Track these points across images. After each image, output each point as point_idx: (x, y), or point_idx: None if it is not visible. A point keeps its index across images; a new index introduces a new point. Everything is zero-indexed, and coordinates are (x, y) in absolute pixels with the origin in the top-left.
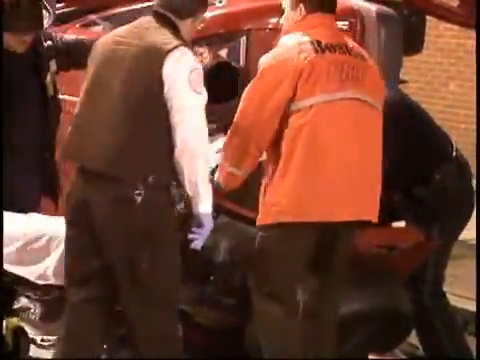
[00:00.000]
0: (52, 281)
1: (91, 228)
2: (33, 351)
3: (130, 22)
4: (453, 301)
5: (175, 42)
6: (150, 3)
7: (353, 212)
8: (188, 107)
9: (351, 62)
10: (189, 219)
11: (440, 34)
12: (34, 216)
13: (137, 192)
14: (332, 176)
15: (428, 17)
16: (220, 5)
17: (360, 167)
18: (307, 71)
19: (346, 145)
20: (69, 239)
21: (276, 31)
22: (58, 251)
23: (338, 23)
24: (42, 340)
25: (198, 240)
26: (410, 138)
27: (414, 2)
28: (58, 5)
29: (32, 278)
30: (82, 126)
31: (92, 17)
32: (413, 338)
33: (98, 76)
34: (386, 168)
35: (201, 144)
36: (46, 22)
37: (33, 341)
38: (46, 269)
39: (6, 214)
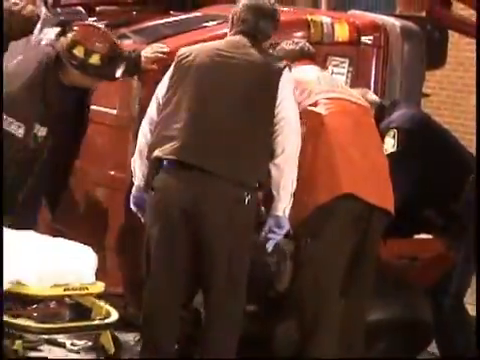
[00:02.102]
0: None
1: (193, 228)
2: (63, 355)
3: (157, 35)
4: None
5: (283, 62)
6: (176, 18)
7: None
8: (295, 119)
9: None
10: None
11: (461, 49)
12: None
13: (246, 193)
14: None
15: (450, 32)
16: None
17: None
18: None
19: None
20: (163, 241)
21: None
22: None
23: (363, 38)
24: (72, 344)
25: (274, 240)
26: (437, 156)
27: (437, 18)
28: (90, 19)
29: None
30: (196, 129)
31: (123, 31)
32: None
33: (204, 84)
34: (415, 185)
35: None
36: None
37: (63, 345)
38: None
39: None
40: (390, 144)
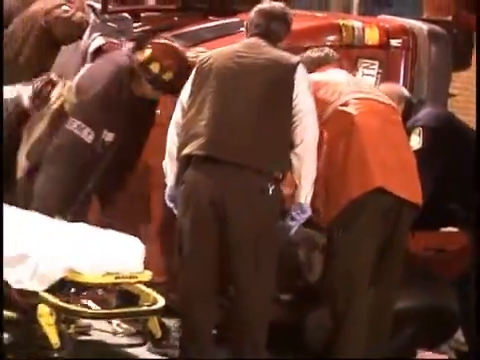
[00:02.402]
0: None
1: (220, 217)
2: (109, 338)
3: (198, 39)
4: None
5: (297, 58)
6: (215, 23)
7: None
8: (312, 111)
9: None
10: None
11: None
12: None
13: (270, 183)
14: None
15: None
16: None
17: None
18: None
19: None
20: (194, 231)
21: (333, 48)
22: None
23: (392, 41)
24: (118, 325)
25: (296, 225)
26: (460, 153)
27: (462, 22)
28: (135, 25)
29: None
30: (219, 125)
31: (165, 35)
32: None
33: (226, 83)
34: (440, 181)
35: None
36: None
37: (111, 331)
38: None
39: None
40: (416, 141)
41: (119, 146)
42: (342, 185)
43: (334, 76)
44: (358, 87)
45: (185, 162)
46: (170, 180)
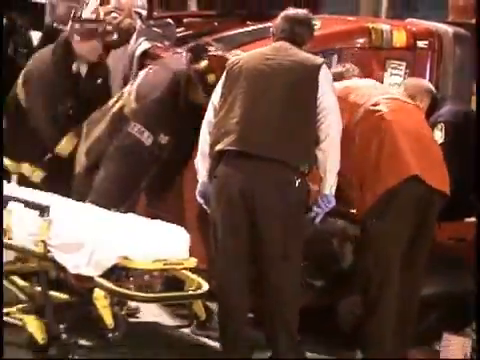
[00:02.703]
0: None
1: (250, 207)
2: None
3: (236, 42)
4: None
5: (321, 59)
6: (252, 28)
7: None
8: (335, 109)
9: None
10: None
11: None
12: None
13: (296, 176)
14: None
15: None
16: (316, 28)
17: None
18: None
19: None
20: (225, 221)
21: (363, 50)
22: None
23: (419, 43)
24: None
25: (320, 214)
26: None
27: None
28: (178, 30)
29: None
30: (248, 123)
31: (206, 39)
32: None
33: (254, 84)
34: (461, 173)
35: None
36: None
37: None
38: None
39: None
40: (438, 136)
41: (173, 148)
42: (377, 176)
43: (363, 82)
44: (385, 90)
45: (217, 158)
46: (201, 176)
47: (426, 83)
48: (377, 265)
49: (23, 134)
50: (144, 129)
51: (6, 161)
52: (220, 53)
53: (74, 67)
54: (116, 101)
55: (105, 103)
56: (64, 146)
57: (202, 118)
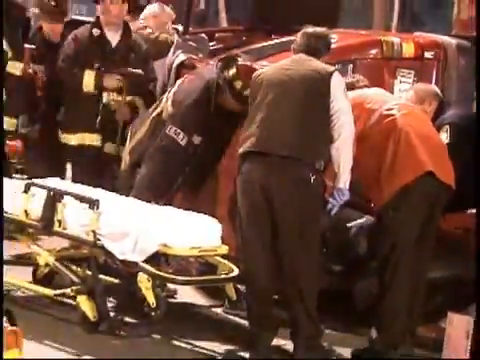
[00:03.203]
0: None
1: (271, 201)
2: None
3: (262, 54)
4: None
5: (333, 67)
6: (276, 41)
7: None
8: (348, 111)
9: None
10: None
11: None
12: None
13: (312, 174)
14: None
15: None
16: (333, 40)
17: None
18: None
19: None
20: (250, 213)
21: (375, 60)
22: None
23: (426, 54)
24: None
25: (336, 206)
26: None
27: None
28: (210, 43)
29: None
30: (269, 126)
31: (235, 51)
32: None
33: (274, 93)
34: (465, 169)
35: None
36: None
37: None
38: None
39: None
40: (444, 137)
41: (205, 148)
42: (394, 173)
43: (377, 92)
44: (396, 99)
45: (243, 157)
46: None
47: (434, 88)
48: (393, 250)
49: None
50: (180, 131)
51: (66, 136)
52: (247, 63)
53: (95, 32)
54: (155, 108)
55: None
56: (87, 81)
57: (232, 122)
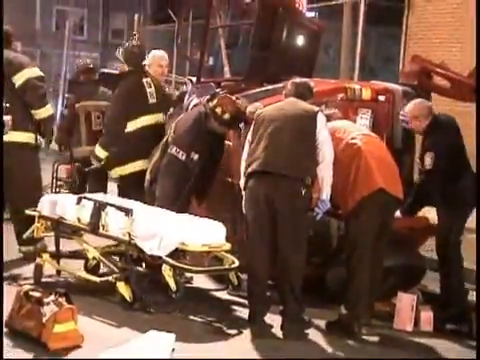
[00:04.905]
0: None
1: (271, 208)
2: (203, 286)
3: (256, 98)
4: None
5: (317, 108)
6: (267, 88)
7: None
8: (328, 141)
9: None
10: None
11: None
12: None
13: (302, 188)
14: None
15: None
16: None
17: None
18: None
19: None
20: (255, 217)
21: (342, 101)
22: None
23: (379, 97)
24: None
25: (320, 213)
26: (455, 167)
27: (424, 85)
28: (217, 89)
29: None
30: (270, 152)
31: (236, 95)
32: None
33: (273, 126)
34: (438, 188)
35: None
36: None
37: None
38: None
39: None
40: (428, 162)
41: (202, 163)
42: (355, 188)
43: (344, 124)
44: (359, 129)
45: (249, 176)
46: (242, 185)
47: (427, 104)
48: (355, 246)
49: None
50: (179, 149)
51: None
52: (227, 95)
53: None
54: (166, 138)
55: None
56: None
57: (222, 142)
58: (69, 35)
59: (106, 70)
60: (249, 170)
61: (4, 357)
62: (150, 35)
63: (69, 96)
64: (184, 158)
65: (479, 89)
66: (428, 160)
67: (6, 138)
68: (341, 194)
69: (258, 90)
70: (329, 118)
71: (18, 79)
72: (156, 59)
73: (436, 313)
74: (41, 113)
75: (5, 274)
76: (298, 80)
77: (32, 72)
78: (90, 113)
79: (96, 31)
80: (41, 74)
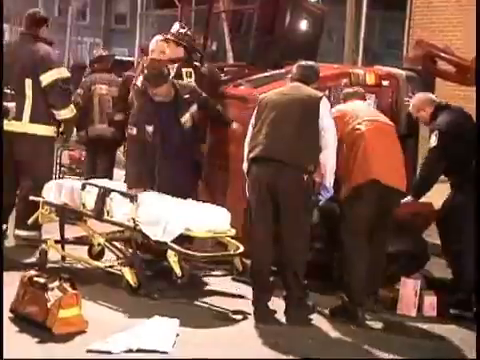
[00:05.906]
0: None
1: (274, 195)
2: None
3: (259, 83)
4: None
5: (321, 93)
6: (270, 73)
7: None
8: (332, 128)
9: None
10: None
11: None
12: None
13: (305, 174)
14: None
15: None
16: None
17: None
18: None
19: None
20: (257, 204)
21: (346, 87)
22: None
23: (383, 82)
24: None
25: (323, 199)
26: (461, 147)
27: (427, 68)
28: (221, 75)
29: None
30: (272, 138)
31: (240, 81)
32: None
33: (276, 112)
34: (443, 168)
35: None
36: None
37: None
38: None
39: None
40: (433, 140)
41: (162, 134)
42: (351, 176)
43: (357, 107)
44: (370, 113)
45: (252, 161)
46: (244, 169)
47: (429, 95)
48: (349, 232)
49: None
50: (131, 127)
51: None
52: (155, 58)
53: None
54: None
55: None
56: None
57: (174, 112)
58: (72, 20)
59: (118, 57)
60: (251, 155)
61: (7, 350)
62: (153, 20)
63: (85, 80)
64: (134, 132)
65: (479, 80)
66: (433, 138)
67: (25, 129)
68: (339, 179)
69: (261, 75)
70: (351, 96)
71: (45, 79)
72: (159, 45)
73: (442, 297)
74: (64, 114)
75: (10, 260)
76: (303, 62)
77: (60, 73)
78: (103, 96)
79: (99, 16)
80: (68, 75)
